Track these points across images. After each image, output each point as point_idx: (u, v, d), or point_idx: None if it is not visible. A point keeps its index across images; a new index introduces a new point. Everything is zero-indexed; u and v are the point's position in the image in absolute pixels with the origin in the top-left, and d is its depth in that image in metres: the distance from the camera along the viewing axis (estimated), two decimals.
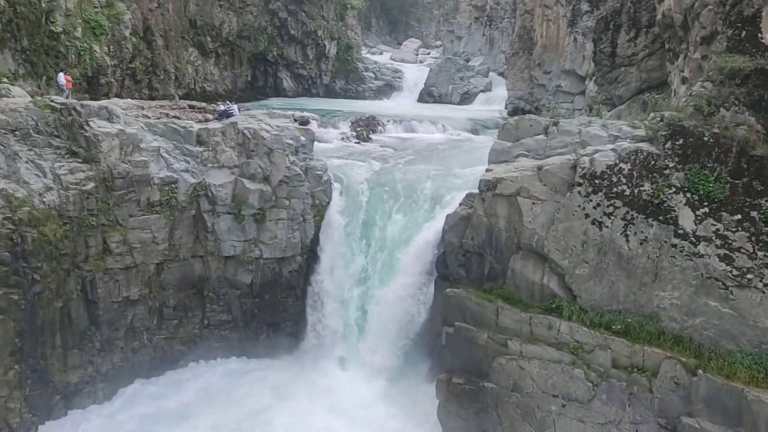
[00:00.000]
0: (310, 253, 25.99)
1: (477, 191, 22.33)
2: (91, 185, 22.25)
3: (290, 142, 25.98)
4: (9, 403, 20.12)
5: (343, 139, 33.42)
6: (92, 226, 22.29)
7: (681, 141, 19.20)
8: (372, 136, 33.83)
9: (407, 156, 29.78)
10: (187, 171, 24.52)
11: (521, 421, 20.54)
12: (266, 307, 25.80)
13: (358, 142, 32.93)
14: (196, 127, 25.16)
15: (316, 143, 28.66)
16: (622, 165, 19.86)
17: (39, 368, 21.14)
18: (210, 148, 25.00)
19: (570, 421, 19.85)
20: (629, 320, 19.60)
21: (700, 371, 18.19)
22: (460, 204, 23.40)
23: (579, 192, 20.34)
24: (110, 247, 22.85)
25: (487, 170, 22.66)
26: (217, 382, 24.09)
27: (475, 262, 22.49)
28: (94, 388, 22.69)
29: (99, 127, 22.88)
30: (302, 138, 26.87)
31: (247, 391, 23.61)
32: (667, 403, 18.67)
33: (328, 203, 26.29)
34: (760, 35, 19.65)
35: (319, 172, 26.32)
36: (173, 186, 24.00)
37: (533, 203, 21.03)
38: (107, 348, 23.17)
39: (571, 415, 19.85)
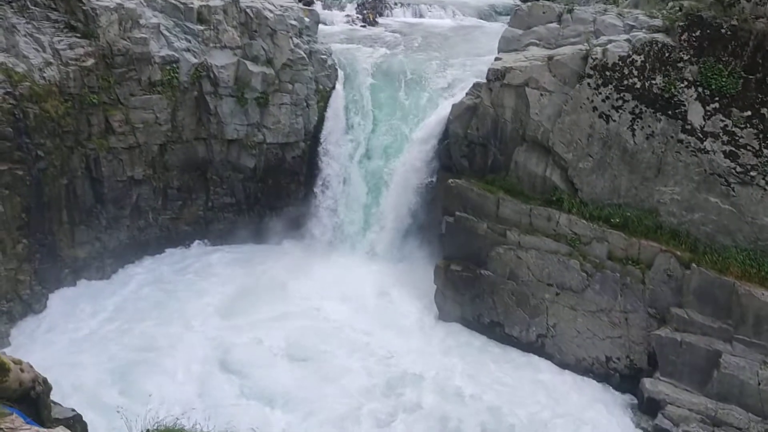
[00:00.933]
0: (314, 139, 25.86)
1: (484, 81, 21.92)
2: (91, 61, 21.79)
3: (294, 23, 25.16)
4: (19, 276, 20.73)
5: (348, 22, 32.29)
6: (94, 104, 22.05)
7: (698, 32, 18.64)
8: (378, 20, 32.69)
9: (415, 42, 28.91)
10: (188, 50, 23.94)
11: (515, 307, 21.27)
12: (270, 192, 25.98)
13: (363, 26, 31.85)
14: (197, 3, 24.29)
15: (320, 26, 27.76)
16: (635, 56, 19.40)
17: (47, 243, 21.61)
18: (211, 27, 24.25)
19: (562, 308, 20.57)
20: (628, 214, 19.86)
21: (693, 265, 18.66)
22: (466, 93, 23.03)
23: (588, 84, 19.99)
24: (113, 126, 22.71)
25: (496, 59, 22.14)
26: (222, 260, 24.72)
27: (478, 153, 22.45)
28: (102, 263, 23.30)
29: (97, 0, 22.12)
30: (306, 19, 25.99)
31: (253, 267, 24.29)
32: (659, 294, 19.27)
33: (332, 89, 25.84)
34: None
35: (323, 56, 25.70)
36: (174, 66, 23.50)
37: (541, 94, 20.72)
38: (114, 225, 23.57)
39: (564, 303, 20.54)
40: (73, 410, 11.11)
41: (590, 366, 20.46)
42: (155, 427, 6.96)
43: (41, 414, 9.95)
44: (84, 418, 11.13)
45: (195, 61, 23.90)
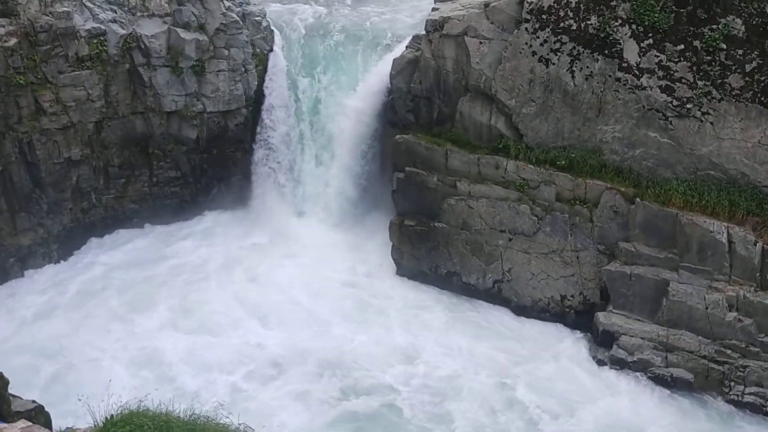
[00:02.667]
0: (255, 105, 25.34)
1: (424, 33, 21.73)
2: (13, 41, 20.74)
3: None
4: None
5: None
6: (21, 85, 21.08)
7: None
8: None
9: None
10: (114, 21, 22.97)
11: (470, 255, 21.62)
12: (215, 162, 25.48)
13: None
14: None
15: None
16: None
17: None
18: None
19: (516, 253, 21.02)
20: (573, 155, 20.24)
21: (637, 199, 19.23)
22: (406, 47, 22.82)
23: (526, 29, 20.05)
24: (43, 107, 21.80)
25: (434, 9, 21.96)
26: (174, 234, 24.36)
27: (423, 107, 22.41)
28: (48, 249, 22.64)
29: None
30: None
31: (199, 243, 24.04)
32: (606, 230, 19.85)
33: (270, 51, 25.23)
34: None
35: (257, 18, 24.97)
36: (102, 38, 22.56)
37: (480, 42, 20.70)
38: (55, 210, 22.84)
39: (517, 248, 20.97)
40: (34, 401, 10.90)
41: (546, 306, 21.07)
42: (119, 412, 6.88)
43: (1, 409, 9.75)
44: (45, 409, 10.96)
45: (123, 32, 22.98)
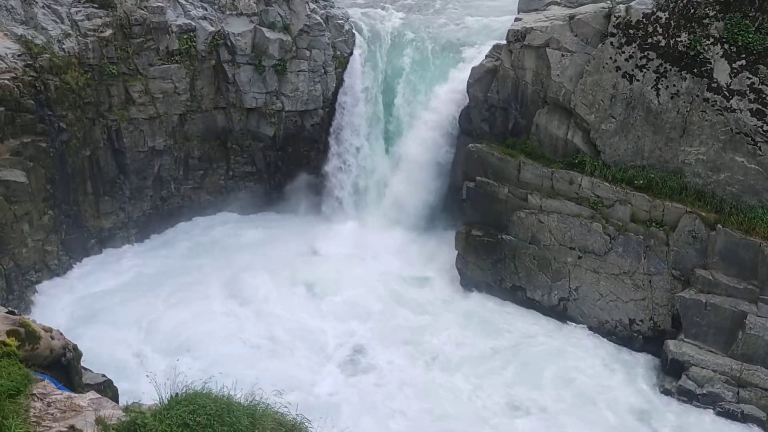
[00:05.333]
0: (332, 106, 25.73)
1: (504, 42, 21.56)
2: (109, 32, 21.81)
3: None
4: (46, 246, 21.16)
5: None
6: (113, 75, 22.13)
7: None
8: None
9: (434, 5, 28.47)
10: (204, 18, 23.83)
11: (537, 271, 21.23)
12: (289, 160, 26.02)
13: None
14: None
15: None
16: (659, 14, 18.90)
17: (73, 214, 21.96)
18: None
19: (584, 272, 20.49)
20: (652, 175, 19.60)
21: (719, 226, 18.42)
22: (486, 56, 22.69)
23: (611, 43, 19.57)
24: (132, 97, 22.82)
25: (516, 20, 21.73)
26: (243, 228, 24.98)
27: (499, 117, 22.21)
28: (127, 233, 23.68)
29: None
30: None
31: (276, 235, 24.56)
32: (683, 256, 19.10)
33: (350, 54, 25.61)
34: None
35: (340, 21, 25.41)
36: (191, 34, 23.45)
37: (562, 55, 20.34)
38: (137, 196, 23.87)
39: (586, 266, 20.45)
40: (104, 375, 11.42)
41: (613, 328, 20.44)
42: (184, 391, 7.10)
43: (72, 380, 10.24)
44: (114, 384, 11.44)
45: (212, 29, 23.81)
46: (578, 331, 20.69)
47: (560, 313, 21.12)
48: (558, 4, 21.69)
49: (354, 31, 25.76)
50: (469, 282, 22.52)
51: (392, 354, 19.58)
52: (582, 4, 21.08)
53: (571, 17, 20.31)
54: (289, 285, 22.05)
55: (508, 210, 21.43)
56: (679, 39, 18.73)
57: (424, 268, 23.39)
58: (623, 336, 20.32)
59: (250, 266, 22.68)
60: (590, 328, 20.67)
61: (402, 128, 24.87)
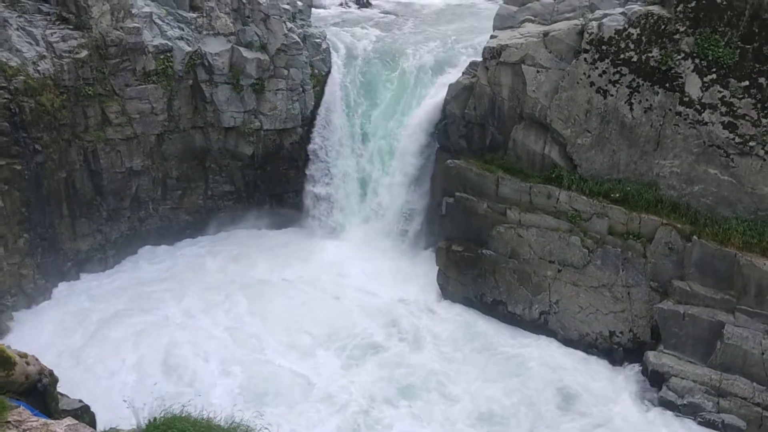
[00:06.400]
0: (311, 125, 25.78)
1: (480, 59, 21.81)
2: (84, 53, 21.69)
3: (287, 7, 24.98)
4: (21, 270, 20.83)
5: (341, 4, 32.06)
6: (89, 96, 21.99)
7: (693, 3, 18.46)
8: (372, 1, 32.46)
9: (409, 22, 28.76)
10: (181, 39, 23.82)
11: (517, 285, 21.33)
12: (268, 179, 25.98)
13: (358, 8, 31.65)
14: None
15: (313, 9, 27.55)
16: (631, 30, 19.26)
17: (48, 236, 21.67)
18: (204, 14, 24.11)
19: (564, 285, 20.63)
20: (628, 188, 19.86)
21: (695, 237, 18.69)
22: (462, 73, 22.95)
23: (585, 59, 19.88)
24: (109, 118, 22.67)
25: (492, 37, 22.00)
26: (224, 248, 24.83)
27: (476, 133, 22.40)
28: (104, 255, 23.38)
29: None
30: (299, 3, 25.80)
31: (255, 254, 24.44)
32: (660, 267, 19.32)
33: (328, 73, 25.72)
34: None
35: (317, 40, 25.55)
36: (168, 54, 23.40)
37: (537, 71, 20.61)
38: (114, 217, 23.62)
39: (566, 279, 20.59)
40: (80, 401, 11.22)
41: (594, 341, 20.56)
42: (162, 416, 7.00)
43: (49, 406, 10.05)
44: (91, 409, 11.25)
45: (189, 49, 23.79)
46: (555, 344, 20.77)
47: (541, 326, 21.20)
48: (532, 21, 22.03)
49: (331, 49, 25.91)
50: (450, 297, 22.54)
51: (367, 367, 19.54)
52: (556, 21, 21.44)
53: (545, 34, 20.62)
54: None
55: (487, 225, 21.55)
56: (650, 54, 19.08)
57: (405, 283, 23.36)
58: (604, 348, 20.44)
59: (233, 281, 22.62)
60: (571, 341, 20.75)
61: (381, 145, 24.96)
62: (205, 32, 24.21)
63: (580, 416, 18.17)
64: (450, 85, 22.72)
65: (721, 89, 18.52)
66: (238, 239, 25.55)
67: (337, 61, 25.82)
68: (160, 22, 23.58)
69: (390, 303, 22.35)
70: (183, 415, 6.96)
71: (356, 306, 22.13)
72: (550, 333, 21.07)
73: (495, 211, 21.38)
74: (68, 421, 7.91)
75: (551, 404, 18.49)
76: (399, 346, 20.46)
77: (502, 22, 22.56)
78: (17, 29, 20.92)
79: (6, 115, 19.64)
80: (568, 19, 21.23)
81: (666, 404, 18.35)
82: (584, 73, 19.93)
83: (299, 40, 24.81)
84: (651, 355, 19.06)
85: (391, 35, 26.99)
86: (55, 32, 21.50)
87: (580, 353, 20.51)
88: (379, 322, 21.38)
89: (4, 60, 20.00)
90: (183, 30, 23.93)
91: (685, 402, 18.14)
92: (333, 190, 25.67)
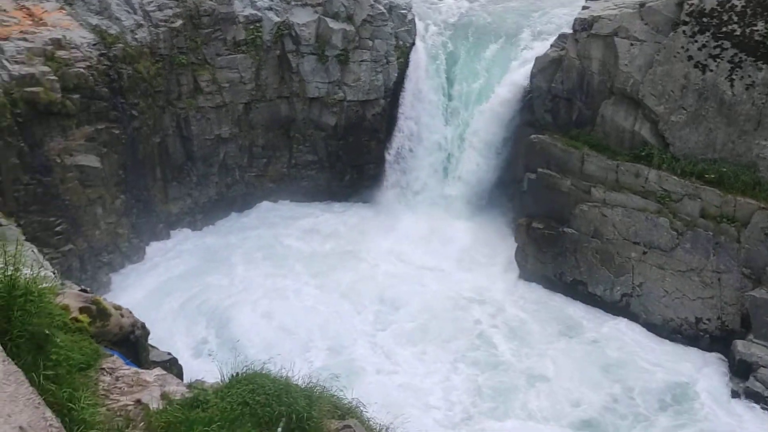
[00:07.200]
0: (393, 96, 25.76)
1: (570, 32, 21.09)
2: (179, 22, 22.46)
3: None
4: (118, 229, 22.03)
5: None
6: (183, 64, 22.80)
7: None
8: None
9: None
10: (270, 9, 24.23)
11: (599, 266, 20.78)
12: (350, 150, 26.23)
13: None
14: None
15: None
16: (735, 1, 18.11)
17: (143, 198, 22.80)
18: None
19: (649, 268, 19.94)
20: (724, 170, 18.87)
21: None
22: (551, 45, 22.25)
23: (684, 32, 18.88)
24: (200, 86, 23.47)
25: (584, 8, 21.24)
26: (306, 216, 25.39)
27: (563, 108, 21.77)
28: (193, 218, 24.43)
29: None
30: None
31: (334, 225, 24.87)
32: (755, 253, 18.34)
33: (412, 44, 25.54)
34: None
35: (403, 11, 25.37)
36: (257, 25, 23.89)
37: (631, 44, 19.75)
38: (203, 182, 24.57)
39: (652, 262, 19.89)
40: (169, 354, 11.84)
41: (678, 327, 19.83)
42: (244, 371, 7.30)
43: (140, 356, 10.64)
44: (179, 362, 11.85)
45: (277, 19, 24.19)
46: (637, 328, 20.14)
47: (622, 309, 20.62)
48: None
49: (417, 20, 25.68)
50: (527, 275, 22.24)
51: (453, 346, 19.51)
52: None
53: (642, 5, 19.68)
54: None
55: (570, 203, 21.03)
56: (755, 28, 17.90)
57: (482, 260, 23.18)
58: (689, 335, 19.69)
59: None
60: (653, 326, 20.09)
61: (464, 118, 24.67)
62: (293, 2, 24.53)
63: (660, 405, 17.62)
64: (537, 58, 22.12)
65: None
66: (319, 209, 26.00)
67: (422, 32, 25.56)
68: None
69: (467, 281, 22.18)
70: (264, 372, 7.21)
71: (431, 282, 22.08)
72: (632, 316, 20.47)
73: (579, 189, 20.81)
74: (157, 371, 8.36)
75: (635, 392, 17.98)
76: (480, 330, 20.14)
77: None
78: None
79: (105, 81, 20.64)
80: None
81: (752, 396, 17.54)
82: (682, 47, 18.93)
83: (385, 11, 24.72)
84: (739, 344, 18.21)
85: (479, 7, 26.42)
86: (152, 1, 22.33)
87: (662, 338, 19.82)
88: (458, 304, 21.18)
89: (104, 28, 20.98)
90: (272, 0, 24.31)
91: None
92: (415, 163, 25.64)
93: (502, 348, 19.46)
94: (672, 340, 19.84)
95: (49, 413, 3.93)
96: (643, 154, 19.98)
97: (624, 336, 19.96)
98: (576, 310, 21.04)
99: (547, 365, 18.81)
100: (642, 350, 19.46)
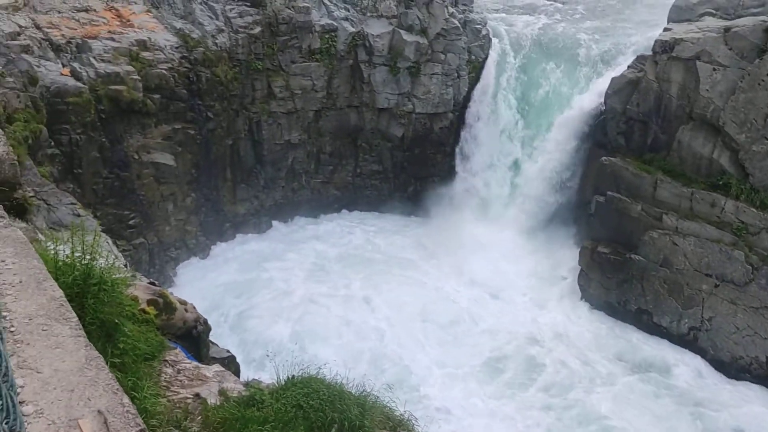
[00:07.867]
0: (462, 110, 25.68)
1: (650, 53, 20.55)
2: (258, 29, 23.08)
3: None
4: (186, 226, 22.72)
5: None
6: (258, 70, 23.40)
7: None
8: None
9: (577, 11, 27.61)
10: (346, 19, 24.61)
11: (666, 296, 20.06)
12: (416, 161, 26.28)
13: None
14: None
15: None
16: None
17: (212, 198, 23.45)
18: None
19: (720, 302, 19.11)
20: None
21: None
22: (628, 66, 21.73)
23: None
24: (274, 92, 24.01)
25: (665, 29, 20.64)
26: (369, 228, 25.54)
27: (637, 131, 21.20)
28: (258, 220, 24.95)
29: None
30: None
31: (396, 238, 24.92)
32: None
33: (485, 59, 25.41)
34: None
35: (478, 26, 25.31)
36: (333, 34, 24.29)
37: (714, 69, 19.07)
38: (270, 186, 25.09)
39: (723, 296, 19.06)
40: (228, 351, 12.07)
41: (747, 365, 18.90)
42: (300, 374, 7.38)
43: (201, 351, 10.89)
44: (237, 360, 12.07)
45: (352, 29, 24.53)
46: (702, 363, 19.28)
47: (689, 342, 19.81)
48: (713, 15, 20.39)
49: (492, 36, 25.54)
50: (589, 299, 21.67)
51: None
52: (740, 16, 19.70)
53: (727, 29, 19.00)
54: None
55: (639, 229, 20.41)
56: None
57: (544, 282, 22.72)
58: (758, 374, 18.73)
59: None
60: (720, 363, 19.21)
61: (534, 136, 24.33)
62: (369, 14, 24.83)
63: None
64: (613, 79, 21.63)
65: None
66: (382, 219, 26.10)
67: (497, 47, 25.40)
68: (328, 3, 24.50)
69: (528, 303, 21.79)
70: (319, 377, 7.27)
71: (491, 303, 21.76)
72: (699, 350, 19.64)
73: (649, 215, 20.18)
74: (216, 367, 8.54)
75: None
76: (541, 356, 19.58)
77: (678, 15, 21.07)
78: (200, 3, 22.67)
79: (185, 83, 21.38)
80: (754, 14, 19.42)
81: None
82: (767, 75, 18.17)
83: (459, 25, 24.72)
84: None
85: (556, 24, 26.07)
86: (233, 8, 23.04)
87: (729, 378, 18.92)
88: (519, 330, 20.61)
89: (188, 32, 21.76)
90: (348, 11, 24.70)
91: None
92: (481, 179, 25.45)
93: (561, 374, 18.94)
94: (738, 378, 18.92)
95: (126, 399, 4.06)
96: (720, 183, 19.22)
97: (690, 373, 19.11)
98: (639, 341, 20.27)
99: (609, 406, 18.07)
100: (709, 389, 18.59)
